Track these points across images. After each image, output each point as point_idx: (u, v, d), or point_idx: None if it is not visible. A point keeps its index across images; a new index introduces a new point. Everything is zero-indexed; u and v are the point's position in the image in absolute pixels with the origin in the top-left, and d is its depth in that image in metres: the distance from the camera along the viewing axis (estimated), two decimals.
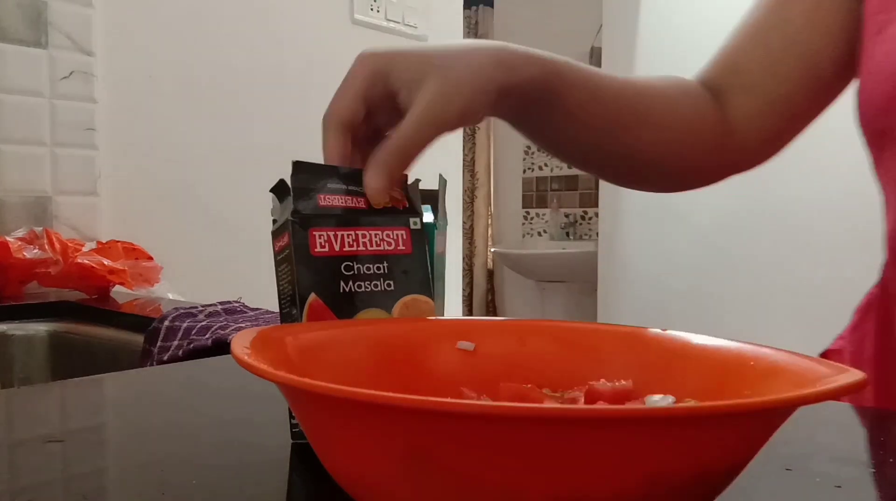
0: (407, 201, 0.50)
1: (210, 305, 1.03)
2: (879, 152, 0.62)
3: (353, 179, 0.49)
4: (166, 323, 0.97)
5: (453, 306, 2.41)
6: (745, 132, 0.70)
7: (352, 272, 0.46)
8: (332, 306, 0.45)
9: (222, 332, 0.91)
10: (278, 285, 0.46)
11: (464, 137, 2.76)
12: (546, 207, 3.94)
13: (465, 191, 3.66)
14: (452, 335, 0.46)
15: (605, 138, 0.65)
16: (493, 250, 3.94)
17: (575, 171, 3.93)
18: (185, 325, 0.95)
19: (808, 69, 0.67)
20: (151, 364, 0.95)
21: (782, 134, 0.71)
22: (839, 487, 0.42)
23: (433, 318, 0.49)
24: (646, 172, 0.71)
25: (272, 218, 0.48)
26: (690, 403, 0.37)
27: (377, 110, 0.53)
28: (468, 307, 3.93)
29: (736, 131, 0.70)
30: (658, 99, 0.67)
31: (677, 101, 0.68)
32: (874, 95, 0.60)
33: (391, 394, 0.27)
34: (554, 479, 0.28)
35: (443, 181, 0.53)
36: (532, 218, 4.02)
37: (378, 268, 0.46)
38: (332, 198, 0.47)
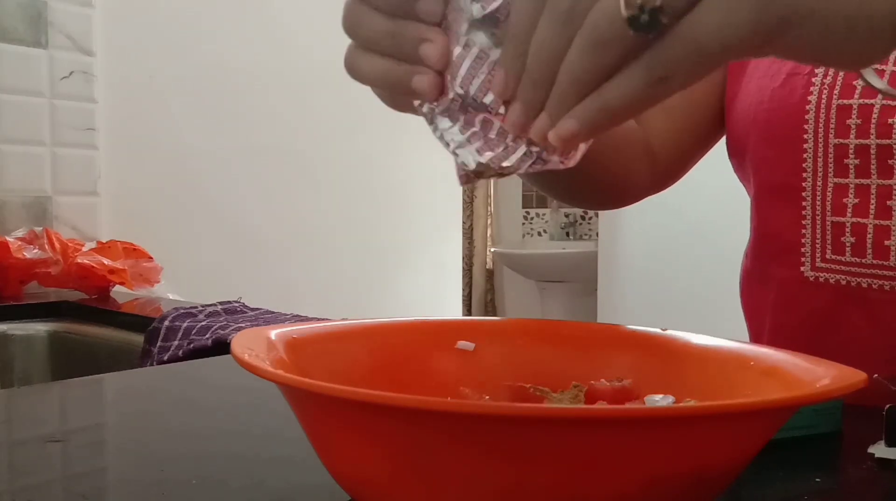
0: None
1: (210, 305, 1.03)
2: (739, 174, 0.74)
3: None
4: (166, 323, 0.97)
5: (453, 306, 2.41)
6: (660, 152, 0.74)
7: None
8: None
9: (222, 332, 0.91)
10: None
11: None
12: (546, 207, 3.93)
13: (465, 191, 3.65)
14: (452, 335, 0.46)
15: None
16: (493, 250, 3.94)
17: None
18: (185, 325, 0.95)
19: (718, 99, 0.73)
20: (151, 364, 0.95)
21: (693, 155, 0.76)
22: (839, 487, 0.42)
23: (433, 318, 0.49)
24: (572, 184, 0.73)
25: None
26: (690, 403, 0.37)
27: None
28: (468, 307, 3.92)
29: (655, 151, 0.74)
30: None
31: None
32: (732, 135, 0.71)
33: (391, 394, 0.27)
34: (554, 479, 0.28)
35: None
36: (532, 218, 4.02)
37: None
38: None
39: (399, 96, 0.42)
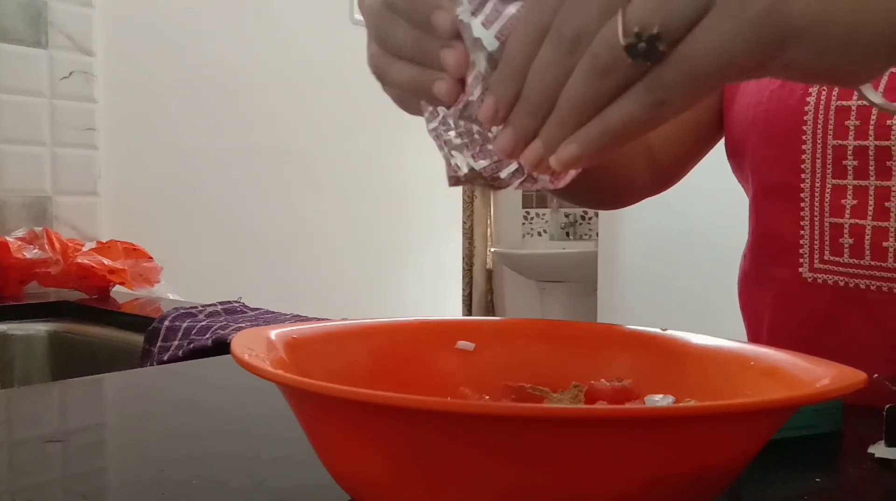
0: None
1: (210, 305, 1.03)
2: (738, 175, 0.74)
3: None
4: (166, 323, 0.97)
5: (453, 306, 2.41)
6: (660, 153, 0.74)
7: None
8: None
9: (222, 332, 0.91)
10: None
11: None
12: (546, 207, 3.93)
13: (465, 191, 3.66)
14: (452, 335, 0.46)
15: None
16: (493, 250, 3.94)
17: None
18: (185, 325, 0.95)
19: (717, 100, 0.73)
20: (151, 364, 0.95)
21: (692, 157, 0.76)
22: (839, 487, 0.42)
23: (433, 318, 0.49)
24: (572, 183, 0.72)
25: None
26: (690, 403, 0.37)
27: None
28: (468, 307, 3.92)
29: (655, 153, 0.74)
30: None
31: None
32: (731, 135, 0.71)
33: (391, 394, 0.27)
34: (554, 479, 0.28)
35: None
36: (532, 218, 4.02)
37: None
38: None
39: (415, 100, 0.42)
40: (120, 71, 1.55)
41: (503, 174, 0.38)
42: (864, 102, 0.61)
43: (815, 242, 0.64)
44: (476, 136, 0.39)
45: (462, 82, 0.38)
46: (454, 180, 0.40)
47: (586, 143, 0.34)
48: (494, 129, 0.37)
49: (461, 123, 0.39)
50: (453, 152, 0.39)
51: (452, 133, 0.39)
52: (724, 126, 0.73)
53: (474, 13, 0.36)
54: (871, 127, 0.60)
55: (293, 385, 0.30)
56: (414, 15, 0.38)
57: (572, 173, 0.40)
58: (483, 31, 0.36)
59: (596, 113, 0.33)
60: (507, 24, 0.35)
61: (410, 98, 0.42)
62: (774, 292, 0.68)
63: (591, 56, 0.32)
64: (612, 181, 0.73)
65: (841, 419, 0.49)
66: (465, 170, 0.39)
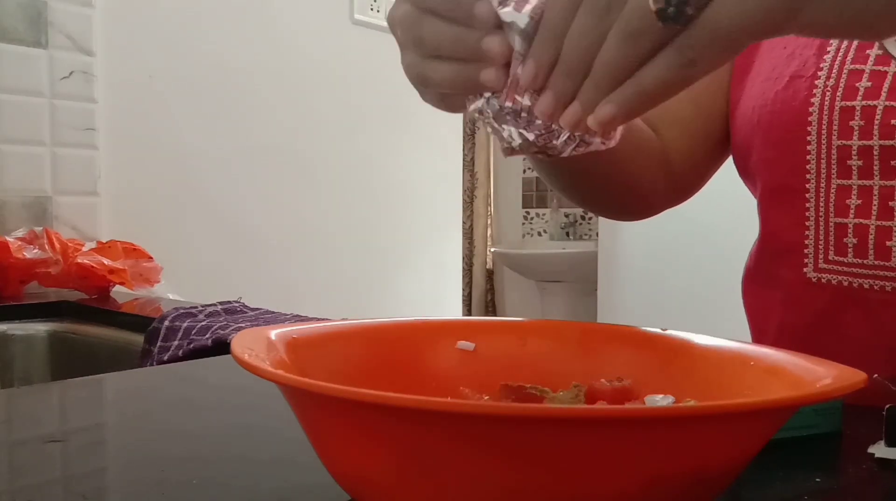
0: None
1: (210, 305, 1.03)
2: (744, 177, 0.74)
3: None
4: (166, 323, 0.97)
5: (453, 306, 2.41)
6: (677, 164, 0.73)
7: None
8: None
9: (222, 332, 0.91)
10: None
11: (463, 137, 2.76)
12: (546, 207, 3.93)
13: (465, 191, 3.65)
14: (452, 335, 0.46)
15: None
16: (493, 250, 3.94)
17: None
18: (185, 325, 0.95)
19: (727, 109, 0.72)
20: (151, 364, 0.95)
21: (708, 167, 0.76)
22: (839, 487, 0.42)
23: (433, 318, 0.49)
24: (591, 190, 0.72)
25: None
26: (690, 403, 0.37)
27: None
28: (468, 307, 3.92)
29: (672, 164, 0.73)
30: None
31: (630, 126, 0.70)
32: (737, 138, 0.71)
33: (392, 394, 0.27)
34: (554, 479, 0.28)
35: None
36: (532, 218, 4.02)
37: None
38: None
39: (456, 96, 0.44)
40: (120, 71, 1.55)
41: (557, 142, 0.41)
42: (869, 103, 0.61)
43: (820, 242, 0.64)
44: (523, 114, 0.41)
45: (506, 68, 0.40)
46: (509, 151, 0.43)
47: (622, 102, 0.36)
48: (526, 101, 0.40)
49: (507, 104, 0.41)
50: (503, 126, 0.42)
51: (502, 108, 0.41)
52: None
53: (504, 2, 0.39)
54: (876, 127, 0.60)
55: (293, 385, 0.30)
56: (452, 12, 0.40)
57: (620, 131, 0.42)
58: (516, 15, 0.38)
59: (628, 75, 0.36)
60: (538, 4, 0.38)
61: (453, 95, 0.44)
62: (779, 293, 0.68)
63: (624, 21, 0.35)
64: (631, 186, 0.71)
65: (841, 419, 0.49)
66: (518, 140, 0.41)
